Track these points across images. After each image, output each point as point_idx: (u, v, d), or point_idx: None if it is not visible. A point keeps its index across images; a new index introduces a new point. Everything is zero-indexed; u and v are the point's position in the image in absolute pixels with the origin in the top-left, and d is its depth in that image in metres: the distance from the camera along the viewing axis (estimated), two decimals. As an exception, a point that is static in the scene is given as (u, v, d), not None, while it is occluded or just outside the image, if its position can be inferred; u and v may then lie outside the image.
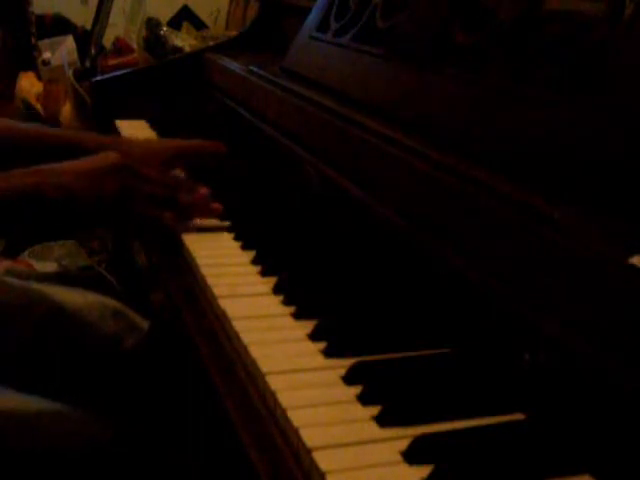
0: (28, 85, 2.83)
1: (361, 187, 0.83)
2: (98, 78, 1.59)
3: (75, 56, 2.85)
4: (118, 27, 3.15)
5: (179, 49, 2.34)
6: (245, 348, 0.63)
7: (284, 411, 0.54)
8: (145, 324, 1.08)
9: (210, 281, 0.75)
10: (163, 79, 1.54)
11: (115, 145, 1.01)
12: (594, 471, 0.48)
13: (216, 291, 0.73)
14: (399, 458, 0.49)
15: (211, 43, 1.92)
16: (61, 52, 2.87)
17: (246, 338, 0.64)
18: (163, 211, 0.88)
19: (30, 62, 2.96)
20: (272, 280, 0.75)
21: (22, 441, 0.77)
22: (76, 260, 1.87)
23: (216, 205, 0.91)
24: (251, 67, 1.29)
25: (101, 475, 0.78)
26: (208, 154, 1.08)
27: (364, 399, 0.55)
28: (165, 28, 2.45)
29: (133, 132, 1.35)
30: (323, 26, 1.15)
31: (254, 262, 0.81)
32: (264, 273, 0.78)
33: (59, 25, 3.14)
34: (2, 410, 0.79)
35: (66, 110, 2.59)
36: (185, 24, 3.00)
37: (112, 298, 1.09)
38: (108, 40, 2.80)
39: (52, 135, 1.06)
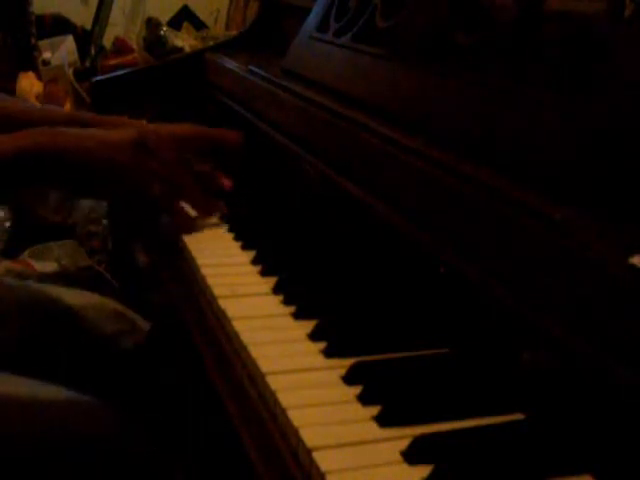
0: (28, 85, 2.83)
1: (361, 187, 0.83)
2: (98, 78, 1.58)
3: (75, 56, 2.85)
4: (118, 27, 3.15)
5: (179, 49, 2.34)
6: (245, 348, 0.63)
7: (284, 411, 0.54)
8: (145, 324, 1.08)
9: (210, 281, 0.75)
10: (163, 79, 1.54)
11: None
12: (594, 471, 0.48)
13: (216, 291, 0.73)
14: (399, 458, 0.49)
15: (211, 43, 1.92)
16: (61, 52, 2.87)
17: (246, 338, 0.64)
18: (174, 199, 0.88)
19: (30, 62, 2.96)
20: (272, 280, 0.75)
21: (19, 437, 0.77)
22: (76, 260, 1.87)
23: (226, 181, 0.91)
24: (251, 67, 1.29)
25: (100, 474, 0.78)
26: (226, 144, 1.07)
27: (364, 399, 0.55)
28: (165, 28, 2.45)
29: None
30: (323, 26, 1.15)
31: (254, 262, 0.81)
32: (264, 273, 0.78)
33: (59, 25, 3.13)
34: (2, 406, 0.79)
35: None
36: (185, 24, 3.01)
37: (112, 298, 1.09)
38: (108, 40, 2.80)
39: (63, 115, 1.05)
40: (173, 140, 0.93)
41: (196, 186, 0.89)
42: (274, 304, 0.71)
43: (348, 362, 0.60)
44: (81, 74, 2.28)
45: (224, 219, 0.92)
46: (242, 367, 0.63)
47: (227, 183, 0.91)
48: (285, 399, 0.55)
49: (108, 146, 0.84)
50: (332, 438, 0.51)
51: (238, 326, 0.66)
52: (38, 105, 2.74)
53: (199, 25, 3.07)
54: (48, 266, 1.81)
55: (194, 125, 1.07)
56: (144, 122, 1.41)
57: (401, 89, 0.88)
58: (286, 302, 0.71)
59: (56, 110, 1.05)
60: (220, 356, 0.67)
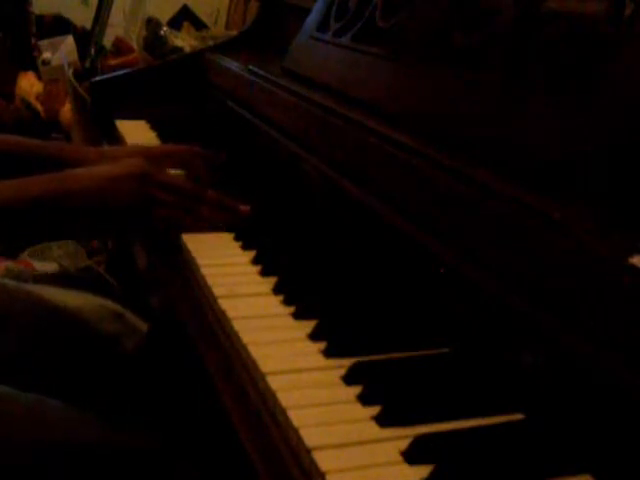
0: (28, 85, 2.83)
1: (360, 187, 0.83)
2: (97, 78, 1.58)
3: (75, 56, 2.85)
4: (118, 27, 3.15)
5: (179, 49, 2.34)
6: (245, 348, 0.63)
7: (284, 411, 0.54)
8: (144, 326, 1.08)
9: (210, 281, 0.75)
10: (163, 79, 1.54)
11: (103, 155, 1.02)
12: (594, 471, 0.48)
13: (216, 291, 0.73)
14: (399, 458, 0.49)
15: (211, 43, 1.92)
16: (61, 52, 2.87)
17: (246, 338, 0.64)
18: (184, 215, 0.88)
19: (30, 62, 2.96)
20: (272, 280, 0.75)
21: (20, 440, 0.77)
22: (76, 261, 1.86)
23: (244, 207, 0.91)
24: (251, 67, 1.29)
25: (98, 476, 0.78)
26: (204, 160, 1.09)
27: (364, 399, 0.55)
28: (165, 28, 2.45)
29: (133, 132, 1.35)
30: (323, 26, 1.15)
31: (254, 262, 0.81)
32: (264, 273, 0.78)
33: (59, 25, 3.14)
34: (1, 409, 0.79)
35: (66, 110, 2.59)
36: (185, 24, 3.01)
37: (111, 299, 1.09)
38: (108, 40, 2.80)
39: (34, 146, 1.06)
40: (167, 156, 0.95)
41: (204, 206, 0.90)
42: (274, 304, 0.71)
43: (348, 362, 0.60)
44: (81, 74, 2.28)
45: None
46: (242, 367, 0.63)
47: (244, 209, 0.92)
48: (285, 399, 0.55)
49: (113, 183, 0.85)
50: (332, 438, 0.51)
51: (238, 326, 0.66)
52: (39, 106, 2.74)
53: (199, 25, 3.07)
54: (48, 266, 1.81)
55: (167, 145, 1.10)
56: (144, 124, 1.41)
57: (401, 89, 0.88)
58: (286, 302, 0.71)
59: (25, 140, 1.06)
60: (220, 356, 0.67)
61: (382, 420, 0.53)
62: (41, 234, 0.89)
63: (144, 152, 1.05)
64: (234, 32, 2.43)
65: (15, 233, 0.86)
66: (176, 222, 0.88)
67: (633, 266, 0.48)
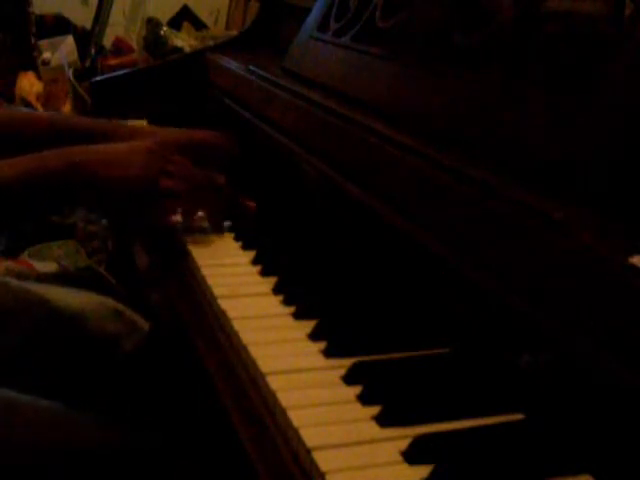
0: (28, 85, 2.83)
1: (361, 187, 0.83)
2: (98, 78, 1.58)
3: (75, 56, 2.85)
4: (118, 27, 3.15)
5: (179, 49, 2.34)
6: (245, 348, 0.63)
7: (284, 411, 0.54)
8: (145, 325, 1.08)
9: (210, 281, 0.75)
10: (163, 79, 1.54)
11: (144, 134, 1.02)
12: (594, 471, 0.48)
13: (216, 291, 0.73)
14: (399, 458, 0.49)
15: (211, 43, 1.92)
16: (61, 52, 2.87)
17: (246, 338, 0.64)
18: (190, 190, 0.88)
19: (30, 62, 2.96)
20: (272, 280, 0.75)
21: (20, 441, 0.77)
22: (76, 260, 1.86)
23: (250, 203, 0.92)
24: (251, 67, 1.29)
25: (98, 476, 0.78)
26: (221, 149, 1.08)
27: (364, 399, 0.55)
28: (165, 28, 2.45)
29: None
30: (323, 26, 1.15)
31: (254, 262, 0.81)
32: (264, 273, 0.78)
33: (59, 25, 3.14)
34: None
35: (66, 110, 2.59)
36: (185, 24, 3.01)
37: (112, 299, 1.09)
38: (108, 40, 2.80)
39: (84, 124, 1.06)
40: (178, 147, 0.94)
41: (212, 190, 0.90)
42: (274, 304, 0.71)
43: (348, 362, 0.60)
44: (81, 74, 2.28)
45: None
46: (242, 367, 0.63)
47: (250, 204, 0.92)
48: (285, 399, 0.55)
49: (125, 157, 0.85)
50: (332, 438, 0.51)
51: (238, 326, 0.66)
52: (39, 106, 2.74)
53: (199, 25, 3.07)
54: (48, 266, 1.81)
55: (185, 131, 1.08)
56: (144, 123, 1.41)
57: (401, 89, 0.88)
58: (286, 302, 0.71)
59: (64, 118, 1.06)
60: (220, 356, 0.67)
61: (382, 420, 0.53)
62: (56, 204, 0.90)
63: (174, 139, 1.04)
64: (234, 32, 2.43)
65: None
66: (178, 195, 0.87)
67: (633, 266, 0.48)
